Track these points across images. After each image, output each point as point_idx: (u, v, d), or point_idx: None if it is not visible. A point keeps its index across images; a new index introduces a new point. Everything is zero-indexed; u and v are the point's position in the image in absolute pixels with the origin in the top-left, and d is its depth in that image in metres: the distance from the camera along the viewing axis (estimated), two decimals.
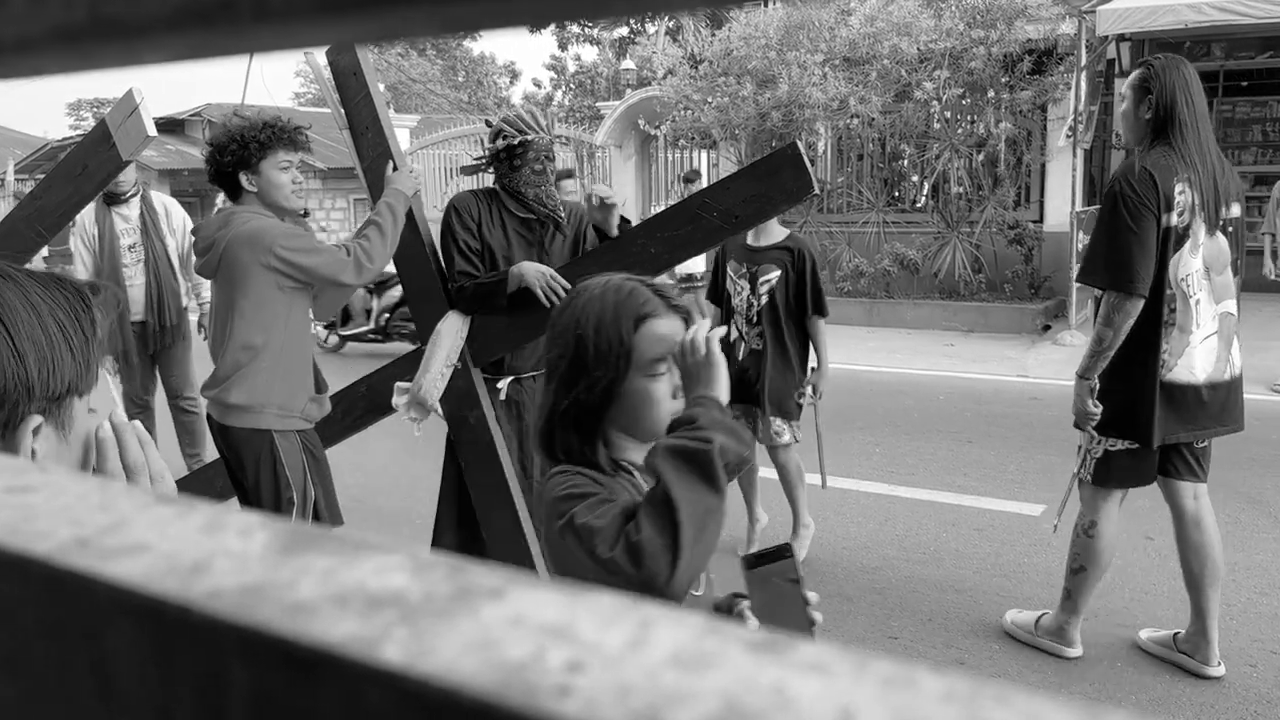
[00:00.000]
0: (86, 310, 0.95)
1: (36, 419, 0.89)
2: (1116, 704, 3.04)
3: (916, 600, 3.81)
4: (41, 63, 0.28)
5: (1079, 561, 3.29)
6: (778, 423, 4.08)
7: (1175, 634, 3.30)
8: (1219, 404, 3.10)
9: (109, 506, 0.33)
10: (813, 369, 4.11)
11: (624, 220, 3.09)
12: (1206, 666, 3.16)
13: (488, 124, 3.23)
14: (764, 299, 4.03)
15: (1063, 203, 10.21)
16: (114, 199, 5.14)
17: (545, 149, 3.10)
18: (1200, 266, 3.03)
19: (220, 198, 5.17)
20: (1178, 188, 2.96)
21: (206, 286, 5.01)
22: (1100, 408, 3.11)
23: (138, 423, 1.01)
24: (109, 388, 1.02)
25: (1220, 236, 3.04)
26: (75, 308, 0.94)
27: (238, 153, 2.91)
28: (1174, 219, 2.98)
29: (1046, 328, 9.78)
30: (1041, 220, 10.86)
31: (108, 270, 5.16)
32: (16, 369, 0.87)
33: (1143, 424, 3.08)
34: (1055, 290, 10.27)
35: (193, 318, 5.31)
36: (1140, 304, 2.99)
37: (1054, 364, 8.02)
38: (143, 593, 0.27)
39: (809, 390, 4.06)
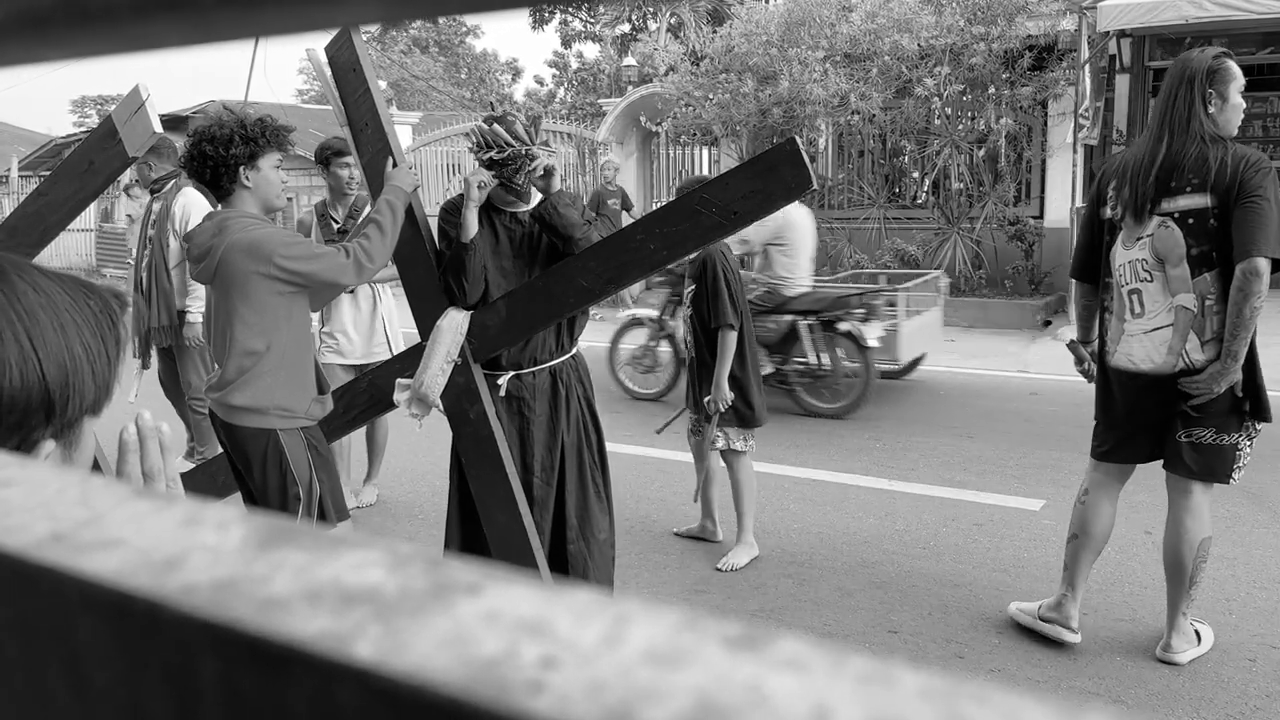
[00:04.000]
0: (112, 328, 0.92)
1: (50, 444, 0.87)
2: (1114, 698, 3.04)
3: (917, 594, 3.81)
4: (11, 49, 0.28)
5: (1072, 529, 3.42)
6: (712, 430, 4.18)
7: (1040, 605, 3.48)
8: (1172, 395, 3.13)
9: (87, 501, 0.33)
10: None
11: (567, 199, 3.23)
12: (1066, 631, 3.35)
13: (481, 133, 3.22)
14: (689, 311, 4.19)
15: (1063, 199, 10.20)
16: (153, 191, 5.29)
17: (514, 159, 3.15)
18: (1143, 257, 3.12)
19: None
20: (1112, 183, 3.20)
21: (196, 290, 5.05)
22: (1085, 368, 3.52)
23: (164, 425, 1.00)
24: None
25: (1175, 229, 3.04)
26: (102, 325, 0.91)
27: (246, 147, 2.91)
28: (1108, 212, 3.22)
29: (1047, 323, 9.78)
30: (1042, 216, 10.85)
31: (136, 254, 5.42)
32: (42, 395, 0.84)
33: (1096, 400, 3.37)
34: (1055, 286, 10.26)
35: (198, 318, 5.25)
36: (1082, 286, 3.42)
37: (1054, 360, 8.01)
38: (115, 588, 0.27)
39: (711, 404, 4.11)
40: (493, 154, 3.11)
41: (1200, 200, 2.99)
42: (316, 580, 0.27)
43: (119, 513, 0.32)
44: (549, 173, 3.13)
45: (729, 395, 4.07)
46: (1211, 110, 3.02)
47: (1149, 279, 3.11)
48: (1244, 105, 3.12)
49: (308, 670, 0.24)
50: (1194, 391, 3.06)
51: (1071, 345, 3.54)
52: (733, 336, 4.04)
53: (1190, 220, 3.01)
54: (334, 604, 0.26)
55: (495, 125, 3.12)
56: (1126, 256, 3.16)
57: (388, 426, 4.99)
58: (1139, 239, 3.11)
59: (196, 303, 5.07)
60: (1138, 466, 3.36)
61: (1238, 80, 3.05)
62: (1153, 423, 3.19)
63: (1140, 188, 3.07)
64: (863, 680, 0.22)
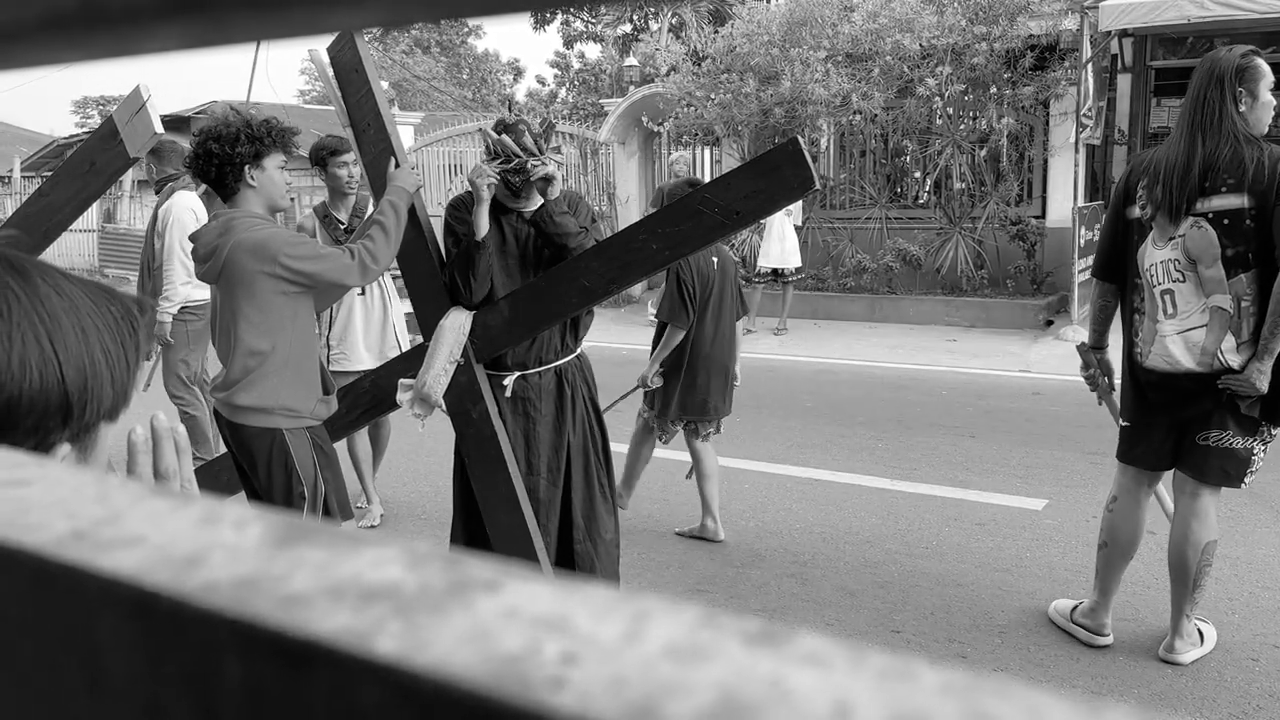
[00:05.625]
0: (133, 334, 0.91)
1: (65, 448, 0.86)
2: (1118, 698, 3.04)
3: (919, 594, 3.81)
4: (34, 52, 0.28)
5: (1101, 536, 3.41)
6: (621, 396, 4.76)
7: (1075, 606, 3.50)
8: (1201, 396, 3.09)
9: (105, 499, 0.33)
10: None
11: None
12: (1098, 637, 3.37)
13: (493, 143, 3.23)
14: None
15: (1065, 198, 10.19)
16: (156, 192, 5.37)
17: (520, 169, 3.18)
18: (1174, 257, 3.07)
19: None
20: (1142, 182, 3.14)
21: (166, 290, 5.08)
22: (1091, 374, 3.49)
23: (180, 427, 1.00)
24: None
25: (1208, 229, 2.99)
26: (122, 331, 0.90)
27: (251, 146, 2.92)
28: (1136, 211, 3.17)
29: (1049, 323, 9.77)
30: (1044, 216, 10.84)
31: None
32: (60, 398, 0.84)
33: (1122, 401, 3.35)
34: (1057, 286, 10.25)
35: (165, 318, 5.22)
36: (1102, 285, 3.38)
37: (1056, 359, 8.01)
38: (136, 585, 0.27)
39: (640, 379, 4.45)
40: (500, 163, 3.14)
41: (1236, 200, 2.95)
42: (337, 577, 0.27)
43: (137, 511, 0.32)
44: (549, 179, 3.15)
45: (653, 378, 4.36)
46: (1242, 109, 2.98)
47: (1181, 279, 3.06)
48: (1275, 102, 3.07)
49: (330, 666, 0.24)
50: (1238, 390, 3.02)
51: (1082, 349, 3.51)
52: (676, 334, 4.27)
53: (1225, 221, 2.96)
54: (355, 601, 0.26)
55: (504, 136, 3.14)
56: (1158, 256, 3.10)
57: (390, 426, 4.99)
58: (1171, 239, 3.06)
59: (164, 303, 5.12)
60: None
61: (1267, 77, 3.01)
62: (1179, 424, 3.17)
63: (1176, 187, 3.01)
64: (883, 676, 0.23)
